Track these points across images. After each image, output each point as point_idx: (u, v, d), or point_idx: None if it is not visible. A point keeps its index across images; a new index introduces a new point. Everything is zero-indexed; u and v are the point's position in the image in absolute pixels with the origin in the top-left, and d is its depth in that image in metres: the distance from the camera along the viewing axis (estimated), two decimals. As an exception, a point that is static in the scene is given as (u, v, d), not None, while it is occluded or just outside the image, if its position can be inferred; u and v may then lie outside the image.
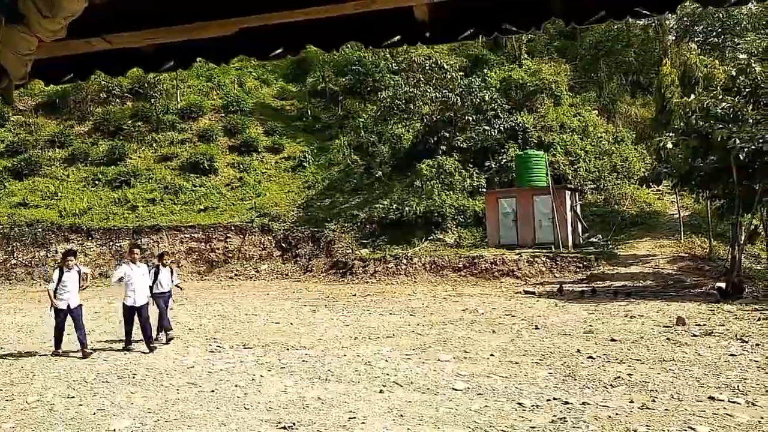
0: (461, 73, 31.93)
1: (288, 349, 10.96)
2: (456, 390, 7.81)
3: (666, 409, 6.74)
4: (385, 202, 26.98)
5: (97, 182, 31.61)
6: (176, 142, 34.38)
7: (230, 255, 28.06)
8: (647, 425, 6.23)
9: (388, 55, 37.83)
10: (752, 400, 6.96)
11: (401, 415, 6.83)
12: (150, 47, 3.12)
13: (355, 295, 19.53)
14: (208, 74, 39.81)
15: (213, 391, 8.22)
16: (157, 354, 10.84)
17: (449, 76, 30.21)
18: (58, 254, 27.89)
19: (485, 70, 34.91)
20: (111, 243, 28.18)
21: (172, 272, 12.55)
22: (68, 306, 11.05)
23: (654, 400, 7.09)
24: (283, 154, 34.53)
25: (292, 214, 29.38)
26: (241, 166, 33.06)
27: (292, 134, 36.09)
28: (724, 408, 6.72)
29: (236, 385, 8.46)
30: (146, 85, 36.05)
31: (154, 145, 34.36)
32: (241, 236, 28.45)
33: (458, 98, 28.93)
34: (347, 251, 25.84)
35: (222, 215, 29.57)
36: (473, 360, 9.55)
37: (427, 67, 31.10)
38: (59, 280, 11.06)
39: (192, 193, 31.15)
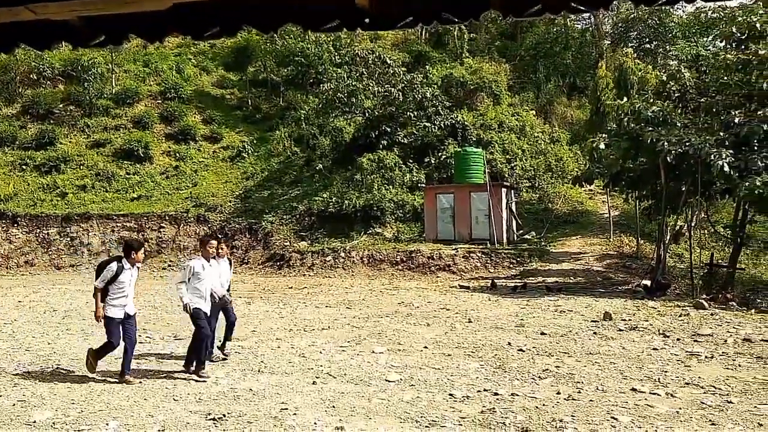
0: (404, 69, 32.03)
1: (220, 341, 10.78)
2: (389, 381, 7.86)
3: (591, 400, 6.96)
4: (325, 195, 26.85)
5: (24, 167, 30.32)
6: (110, 128, 33.25)
7: (164, 245, 27.38)
8: (572, 415, 6.42)
9: (331, 47, 37.56)
10: (672, 391, 7.26)
11: (333, 406, 6.83)
12: (79, 20, 2.98)
13: (291, 287, 19.39)
14: (145, 59, 38.67)
15: (141, 382, 8.02)
16: (82, 344, 10.44)
17: (392, 71, 30.26)
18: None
19: (427, 67, 35.15)
20: (38, 230, 27.12)
21: (230, 264, 9.85)
22: (126, 314, 8.16)
23: (580, 392, 7.31)
24: (222, 143, 33.84)
25: (229, 204, 28.90)
26: (177, 154, 32.23)
27: (231, 123, 35.43)
28: (646, 399, 6.99)
29: (165, 377, 8.28)
30: (79, 68, 34.66)
31: (87, 130, 33.13)
32: (176, 226, 27.81)
33: (400, 93, 29.02)
34: (285, 243, 25.60)
35: (156, 204, 28.82)
36: (407, 352, 9.63)
37: (370, 61, 31.06)
38: (115, 277, 8.00)
39: (125, 180, 30.24)
